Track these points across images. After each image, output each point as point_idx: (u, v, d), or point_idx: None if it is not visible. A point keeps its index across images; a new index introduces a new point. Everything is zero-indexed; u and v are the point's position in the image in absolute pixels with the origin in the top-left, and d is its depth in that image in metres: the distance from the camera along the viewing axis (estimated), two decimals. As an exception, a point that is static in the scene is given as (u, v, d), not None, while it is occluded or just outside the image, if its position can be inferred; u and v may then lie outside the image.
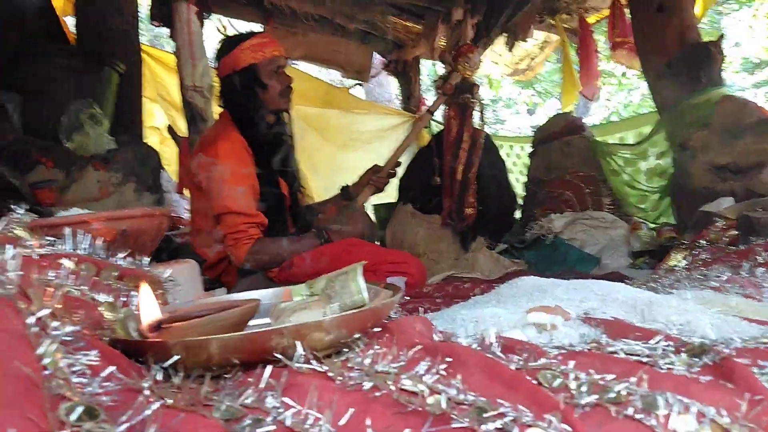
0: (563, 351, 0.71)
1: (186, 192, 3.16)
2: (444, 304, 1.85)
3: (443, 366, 0.59)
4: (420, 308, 1.42)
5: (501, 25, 2.21)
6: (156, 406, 0.44)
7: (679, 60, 2.35)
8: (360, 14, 3.98)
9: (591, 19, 4.15)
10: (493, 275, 2.51)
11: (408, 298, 1.87)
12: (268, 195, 2.15)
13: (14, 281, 0.51)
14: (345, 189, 2.56)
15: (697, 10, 2.79)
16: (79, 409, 0.40)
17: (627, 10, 3.73)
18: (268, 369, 0.54)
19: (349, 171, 4.39)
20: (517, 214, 3.17)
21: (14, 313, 0.44)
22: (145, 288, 0.70)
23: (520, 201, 3.21)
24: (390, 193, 2.88)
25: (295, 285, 2.11)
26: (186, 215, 4.52)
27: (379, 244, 3.03)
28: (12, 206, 1.62)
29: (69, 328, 0.44)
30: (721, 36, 2.38)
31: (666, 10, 2.37)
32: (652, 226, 2.54)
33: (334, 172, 4.35)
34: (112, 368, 0.48)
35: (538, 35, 4.27)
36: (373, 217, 3.13)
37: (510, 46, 3.45)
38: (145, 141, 3.23)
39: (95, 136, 2.62)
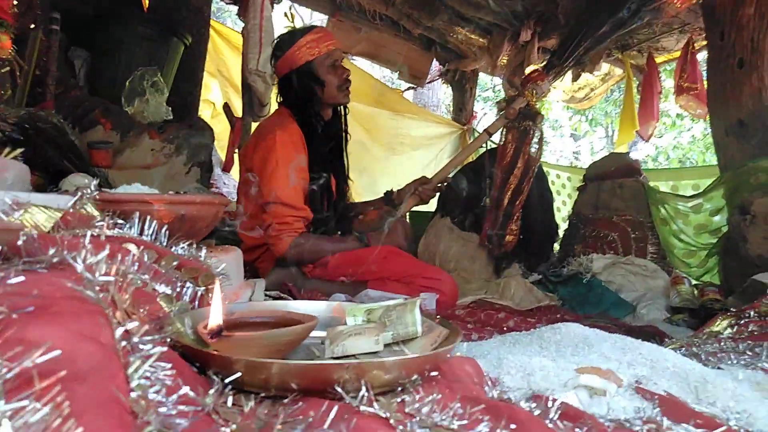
0: (622, 428, 0.68)
1: (232, 171, 3.19)
2: (475, 330, 1.83)
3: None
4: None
5: (576, 58, 2.16)
6: (231, 440, 0.43)
7: (753, 119, 2.27)
8: (427, 20, 3.96)
9: (659, 58, 4.05)
10: (523, 304, 2.47)
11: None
12: (317, 188, 2.16)
13: (103, 284, 0.50)
14: (389, 194, 2.56)
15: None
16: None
17: (699, 56, 3.64)
18: (334, 410, 0.53)
19: (391, 174, 4.40)
20: (555, 247, 3.11)
21: (106, 322, 0.44)
22: (218, 288, 0.70)
23: (559, 233, 3.15)
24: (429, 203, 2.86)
25: (329, 282, 2.11)
26: (225, 190, 4.58)
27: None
28: (74, 170, 1.65)
29: (157, 349, 0.44)
30: (801, 101, 2.30)
31: (746, 66, 2.29)
32: (695, 283, 2.46)
33: (376, 173, 4.36)
34: (186, 388, 0.48)
35: (601, 67, 4.19)
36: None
37: (575, 76, 3.39)
38: (200, 115, 3.27)
39: (155, 104, 2.66)
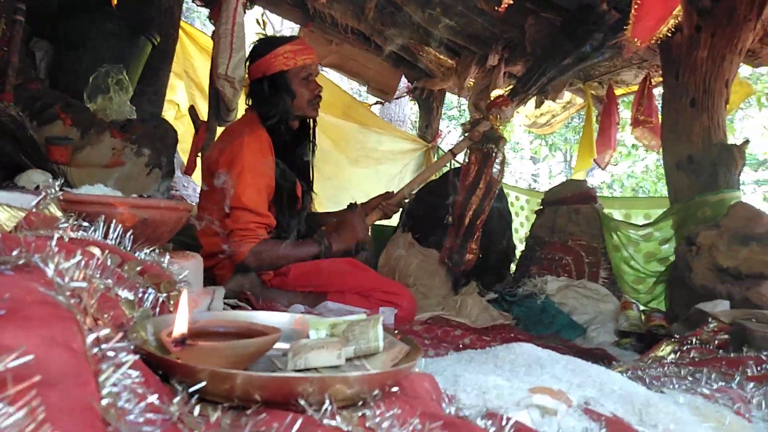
0: (570, 447, 0.71)
1: (193, 175, 3.15)
2: (432, 346, 1.86)
3: (463, 448, 0.59)
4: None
5: (540, 86, 2.25)
6: (198, 450, 0.44)
7: (702, 156, 2.39)
8: (398, 38, 4.03)
9: (618, 91, 4.21)
10: (479, 322, 2.52)
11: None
12: (283, 195, 2.16)
13: (73, 289, 0.50)
14: (352, 207, 2.57)
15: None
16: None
17: (656, 91, 3.81)
18: (298, 422, 0.54)
19: (355, 186, 4.42)
20: (512, 267, 3.19)
21: (77, 329, 0.44)
22: (185, 296, 0.70)
23: (516, 254, 3.23)
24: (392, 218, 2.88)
25: (288, 292, 2.10)
26: (185, 193, 4.50)
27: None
28: (32, 165, 1.60)
29: (129, 357, 0.44)
30: (746, 141, 2.44)
31: (698, 105, 2.42)
32: (643, 308, 2.56)
33: (340, 185, 4.37)
34: (153, 397, 0.48)
35: (564, 95, 4.33)
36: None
37: (538, 103, 3.50)
38: (163, 116, 3.22)
39: (118, 102, 2.61)
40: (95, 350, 0.44)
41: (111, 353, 0.46)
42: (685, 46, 2.45)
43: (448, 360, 1.32)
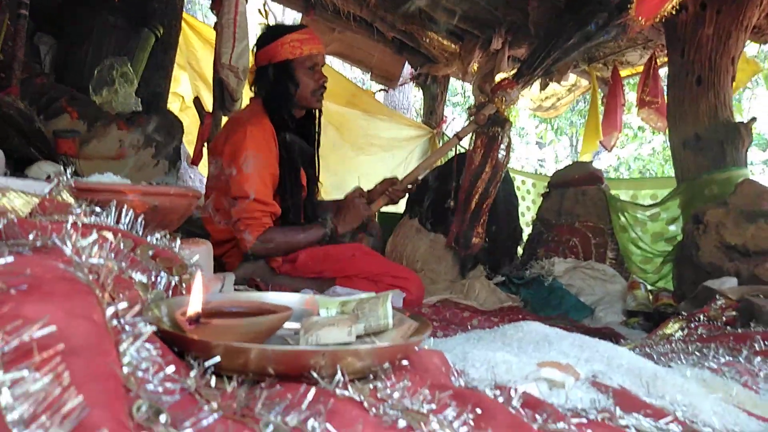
0: (578, 416, 0.73)
1: (200, 166, 3.16)
2: (440, 328, 1.87)
3: (472, 416, 0.61)
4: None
5: (545, 68, 2.24)
6: (216, 416, 0.45)
7: (709, 134, 2.39)
8: (400, 24, 4.01)
9: (624, 72, 4.19)
10: (487, 305, 2.53)
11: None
12: (287, 184, 2.17)
13: (90, 266, 0.52)
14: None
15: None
16: (152, 409, 0.41)
17: (661, 72, 3.79)
18: (312, 392, 0.56)
19: (360, 174, 4.42)
20: (519, 250, 3.20)
21: (97, 302, 0.46)
22: (199, 277, 0.72)
23: (523, 237, 3.23)
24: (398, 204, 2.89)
25: (297, 278, 2.13)
26: (190, 184, 4.52)
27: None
28: (41, 157, 1.62)
29: (149, 328, 0.46)
30: (753, 119, 2.42)
31: (704, 83, 2.41)
32: (651, 288, 2.57)
33: (346, 173, 4.37)
34: (171, 368, 0.50)
35: (568, 78, 4.30)
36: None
37: (543, 86, 3.49)
38: (169, 108, 3.23)
39: (123, 95, 2.63)
40: (114, 323, 0.45)
41: (128, 327, 0.48)
42: (690, 24, 2.43)
43: (456, 339, 1.34)
